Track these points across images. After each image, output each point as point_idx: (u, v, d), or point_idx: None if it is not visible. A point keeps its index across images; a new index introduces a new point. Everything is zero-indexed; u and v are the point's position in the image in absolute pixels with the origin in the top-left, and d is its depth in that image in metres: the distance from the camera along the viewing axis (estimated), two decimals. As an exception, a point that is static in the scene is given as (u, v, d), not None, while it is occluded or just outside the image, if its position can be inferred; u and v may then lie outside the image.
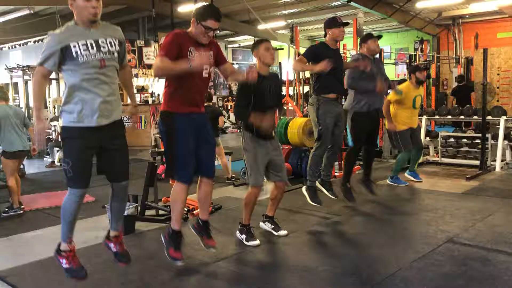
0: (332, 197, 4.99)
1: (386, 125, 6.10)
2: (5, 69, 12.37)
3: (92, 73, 2.81)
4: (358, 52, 5.38)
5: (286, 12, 16.24)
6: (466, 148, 7.71)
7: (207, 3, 3.54)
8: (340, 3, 14.42)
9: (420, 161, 7.59)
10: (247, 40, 20.16)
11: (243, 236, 4.06)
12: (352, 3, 13.18)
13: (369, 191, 5.40)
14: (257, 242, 3.99)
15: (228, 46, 19.25)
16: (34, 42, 12.85)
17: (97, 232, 4.31)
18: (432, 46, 17.93)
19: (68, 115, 2.84)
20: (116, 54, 2.94)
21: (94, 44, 2.81)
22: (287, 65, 11.15)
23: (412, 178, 6.35)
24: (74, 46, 2.75)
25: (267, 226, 4.32)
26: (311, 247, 4.05)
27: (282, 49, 19.49)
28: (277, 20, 16.39)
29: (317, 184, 4.94)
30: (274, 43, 19.52)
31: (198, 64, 3.18)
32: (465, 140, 7.73)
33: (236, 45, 21.11)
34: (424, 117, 7.88)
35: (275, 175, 4.08)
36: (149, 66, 13.71)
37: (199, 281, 3.33)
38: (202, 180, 3.57)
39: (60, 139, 2.98)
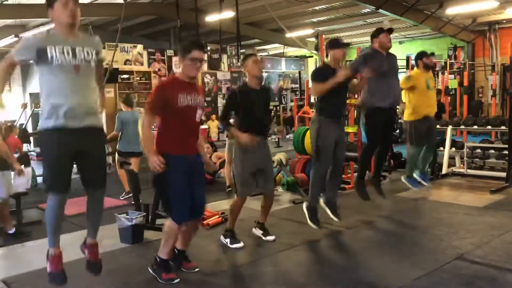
0: (336, 219, 4.71)
1: (404, 117, 5.95)
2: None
3: (66, 78, 2.87)
4: (369, 47, 5.22)
5: (315, 20, 16.19)
6: (493, 160, 7.41)
7: (190, 40, 3.68)
8: (369, 10, 14.23)
9: (444, 172, 7.41)
10: (276, 48, 20.21)
11: (227, 240, 4.21)
12: (381, 11, 13.01)
13: (377, 192, 5.27)
14: (241, 244, 4.16)
15: (259, 55, 19.34)
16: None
17: (106, 241, 4.36)
18: (467, 53, 17.41)
19: (43, 119, 2.92)
20: (92, 63, 2.99)
21: (70, 51, 2.88)
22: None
23: (421, 180, 6.01)
24: (50, 50, 2.83)
25: (257, 232, 4.45)
26: (313, 261, 3.99)
27: (312, 56, 19.40)
28: (307, 28, 16.35)
29: (321, 203, 4.75)
30: (303, 51, 19.50)
31: (153, 163, 3.25)
32: (492, 151, 7.44)
33: (266, 53, 21.19)
34: (450, 127, 7.64)
35: (261, 186, 4.24)
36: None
37: (196, 293, 3.33)
38: (192, 220, 3.54)
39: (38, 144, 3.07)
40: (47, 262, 3.12)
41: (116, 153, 6.98)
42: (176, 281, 3.44)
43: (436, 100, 6.68)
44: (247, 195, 4.23)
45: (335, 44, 4.54)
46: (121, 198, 7.02)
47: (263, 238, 4.38)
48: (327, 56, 4.65)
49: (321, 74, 4.56)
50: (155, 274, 3.51)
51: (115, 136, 6.82)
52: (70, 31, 2.93)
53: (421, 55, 5.98)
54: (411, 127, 5.80)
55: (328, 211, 4.72)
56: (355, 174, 6.99)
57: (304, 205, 4.70)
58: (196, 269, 3.66)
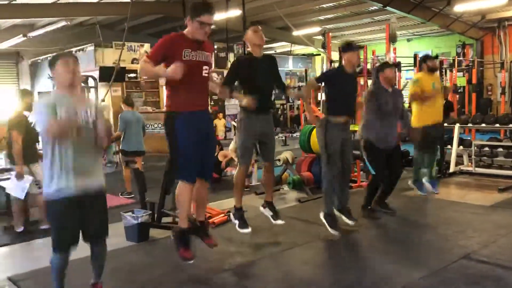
0: (352, 223, 4.61)
1: (412, 122, 5.90)
2: (48, 77, 12.94)
3: (70, 143, 2.83)
4: (374, 84, 5.14)
5: (322, 17, 16.13)
6: (501, 158, 7.34)
7: (200, 2, 3.56)
8: (376, 8, 14.15)
9: (452, 170, 7.34)
10: (283, 46, 20.16)
11: (236, 222, 4.20)
12: (388, 8, 12.92)
13: (385, 211, 5.17)
14: (248, 230, 4.14)
15: (264, 52, 19.30)
16: (76, 51, 13.37)
17: (111, 239, 4.35)
18: (476, 50, 17.25)
19: (48, 186, 2.87)
20: (91, 126, 2.93)
21: (72, 112, 2.85)
22: (322, 70, 11.05)
23: (430, 188, 5.99)
24: (59, 110, 2.80)
25: (266, 212, 4.39)
26: (319, 260, 3.99)
27: (319, 55, 19.33)
28: (314, 26, 16.29)
29: (335, 211, 4.65)
30: (310, 49, 19.44)
31: (171, 72, 3.19)
32: (500, 149, 7.37)
33: (272, 51, 21.14)
34: (457, 125, 7.58)
35: (263, 155, 4.27)
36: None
37: (201, 292, 3.33)
38: (199, 182, 3.60)
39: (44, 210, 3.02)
40: None
41: (120, 153, 7.04)
42: (190, 262, 3.45)
43: (444, 97, 6.64)
44: (248, 164, 4.29)
45: (348, 48, 4.51)
46: (120, 195, 7.07)
47: (272, 220, 4.30)
48: (341, 59, 4.63)
49: (331, 77, 4.58)
50: (175, 244, 3.54)
51: (119, 136, 6.89)
52: (71, 90, 2.92)
53: (425, 59, 5.98)
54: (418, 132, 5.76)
55: (343, 217, 4.60)
56: (361, 172, 6.98)
57: (322, 214, 4.55)
58: (215, 246, 3.67)
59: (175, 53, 3.30)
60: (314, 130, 6.73)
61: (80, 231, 2.98)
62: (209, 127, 3.61)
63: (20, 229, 5.30)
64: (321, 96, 8.66)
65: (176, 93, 3.44)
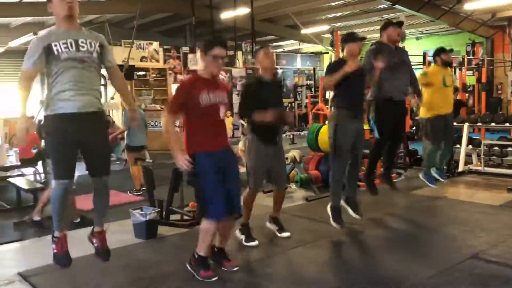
0: (357, 217, 4.62)
1: (420, 113, 5.88)
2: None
3: (72, 69, 2.95)
4: (377, 43, 5.12)
5: (331, 16, 16.11)
6: (511, 157, 7.29)
7: (211, 37, 3.68)
8: (385, 6, 14.09)
9: (461, 169, 7.31)
10: (292, 44, 20.13)
11: (243, 237, 4.20)
12: (397, 6, 12.87)
13: (389, 186, 5.21)
14: (255, 243, 4.14)
15: (273, 51, 19.32)
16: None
17: (120, 236, 4.44)
18: (486, 49, 17.11)
19: (49, 106, 2.99)
20: (95, 54, 3.07)
21: (73, 43, 2.96)
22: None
23: (438, 177, 5.92)
24: (55, 45, 2.91)
25: (272, 226, 4.44)
26: (326, 259, 3.98)
27: (327, 53, 19.29)
28: (323, 24, 16.26)
29: (342, 202, 4.65)
30: (319, 47, 19.41)
31: (180, 162, 3.28)
32: (510, 149, 7.31)
33: (281, 50, 21.13)
34: (466, 124, 7.53)
35: (273, 181, 4.29)
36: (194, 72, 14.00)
37: (208, 290, 3.35)
38: (227, 216, 3.52)
39: (43, 131, 3.13)
40: (52, 243, 3.21)
41: (126, 148, 7.17)
42: (214, 279, 3.42)
43: (453, 99, 6.60)
44: (259, 187, 4.28)
45: (350, 38, 4.48)
46: (128, 193, 7.12)
47: (278, 234, 4.37)
48: (342, 51, 4.60)
49: (334, 67, 4.50)
50: (192, 271, 3.48)
51: (124, 130, 7.05)
52: (69, 24, 2.99)
53: (439, 51, 5.90)
54: (427, 124, 5.74)
55: (349, 210, 4.60)
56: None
57: (328, 206, 4.57)
58: (236, 268, 3.61)
59: (193, 99, 3.33)
60: (322, 128, 6.74)
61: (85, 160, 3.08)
62: (234, 166, 3.58)
63: (37, 218, 5.39)
64: (329, 94, 8.66)
65: (194, 135, 3.42)
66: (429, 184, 5.83)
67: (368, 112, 5.02)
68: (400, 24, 5.07)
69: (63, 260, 3.21)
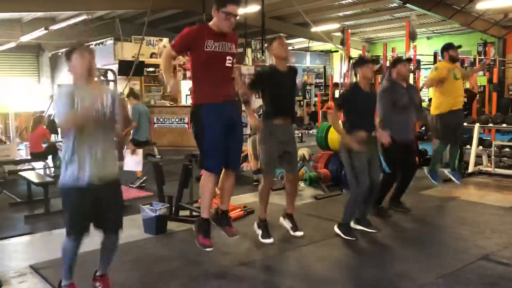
0: (374, 231, 4.48)
1: (431, 110, 5.83)
2: (69, 70, 13.09)
3: (87, 134, 2.87)
4: (388, 80, 5.04)
5: (341, 14, 16.03)
6: (522, 159, 7.23)
7: None
8: (396, 5, 14.00)
9: (471, 170, 7.26)
10: (301, 42, 20.08)
11: (259, 232, 4.21)
12: (408, 5, 12.78)
13: (400, 210, 5.11)
14: (271, 240, 4.14)
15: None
16: (96, 45, 13.51)
17: (130, 231, 4.45)
18: (497, 49, 16.95)
19: (64, 174, 2.92)
20: (108, 115, 2.95)
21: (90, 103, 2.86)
22: (339, 67, 10.99)
23: (453, 178, 5.92)
24: (77, 101, 2.82)
25: (286, 223, 4.42)
26: (335, 257, 3.97)
27: (337, 51, 19.22)
28: (333, 22, 16.20)
29: (353, 224, 4.51)
30: (328, 46, 19.34)
31: (172, 92, 3.34)
32: (521, 150, 7.26)
33: (290, 47, 21.08)
34: (477, 125, 7.48)
35: (286, 166, 4.25)
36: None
37: (219, 285, 3.35)
38: (226, 173, 3.65)
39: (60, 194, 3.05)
40: None
41: (131, 142, 7.23)
42: (208, 249, 3.51)
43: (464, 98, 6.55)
44: (273, 177, 4.27)
45: (362, 62, 4.44)
46: (131, 185, 7.14)
47: (292, 232, 4.34)
48: (355, 76, 4.56)
49: (347, 97, 4.43)
50: (196, 234, 3.61)
51: (135, 126, 7.12)
52: (87, 82, 2.93)
53: (447, 47, 5.87)
54: (437, 121, 5.71)
55: (363, 228, 4.48)
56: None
57: (336, 226, 4.42)
58: (236, 236, 3.68)
59: (197, 44, 3.34)
60: (332, 127, 6.72)
61: (95, 221, 3.01)
62: (236, 117, 3.60)
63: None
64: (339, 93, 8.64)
65: (200, 86, 3.48)
66: (433, 180, 5.82)
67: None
68: (409, 60, 5.04)
69: None
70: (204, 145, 3.47)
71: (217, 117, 3.42)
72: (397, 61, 5.04)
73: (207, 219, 3.61)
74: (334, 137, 6.53)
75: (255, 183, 7.04)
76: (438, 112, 5.68)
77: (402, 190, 5.15)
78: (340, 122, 4.43)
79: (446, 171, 5.99)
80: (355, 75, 4.55)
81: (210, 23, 3.49)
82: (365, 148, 4.26)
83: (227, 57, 3.46)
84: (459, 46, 6.21)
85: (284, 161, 4.22)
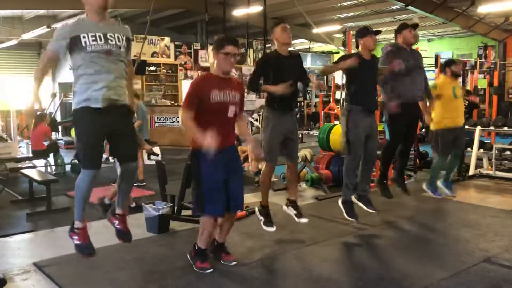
0: (372, 211, 4.70)
1: (430, 126, 5.84)
2: (70, 68, 13.07)
3: (99, 60, 2.97)
4: (392, 44, 5.16)
5: (342, 16, 16.04)
6: (523, 162, 7.25)
7: (224, 35, 3.71)
8: (398, 7, 14.01)
9: (471, 173, 7.27)
10: (302, 43, 20.08)
11: (262, 218, 4.25)
12: (410, 8, 12.79)
13: (402, 190, 5.21)
14: (273, 228, 4.19)
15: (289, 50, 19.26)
16: (97, 43, 13.50)
17: (132, 229, 4.41)
18: (498, 52, 16.98)
19: (77, 98, 3.02)
20: (122, 49, 3.09)
21: (102, 37, 2.98)
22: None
23: (445, 190, 5.91)
24: (84, 37, 2.93)
25: (289, 211, 4.44)
26: (338, 258, 3.99)
27: (338, 53, 19.23)
28: (334, 23, 16.19)
29: (354, 199, 4.72)
30: (329, 47, 19.35)
31: (208, 145, 3.19)
32: (522, 154, 7.28)
33: (291, 48, 21.10)
34: (478, 128, 7.50)
35: (286, 154, 4.29)
36: (204, 69, 14.01)
37: (221, 285, 3.37)
38: (227, 214, 3.59)
39: (72, 122, 3.14)
40: (70, 235, 3.22)
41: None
42: (208, 271, 3.51)
43: (465, 101, 6.57)
44: (275, 162, 4.27)
45: (365, 32, 4.51)
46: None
47: (296, 219, 4.36)
48: (357, 47, 4.61)
49: (344, 57, 4.58)
50: (191, 261, 3.60)
51: (141, 124, 7.10)
52: (101, 15, 3.01)
53: (450, 63, 5.90)
54: (437, 136, 5.72)
55: (362, 205, 4.67)
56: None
57: (340, 201, 4.65)
58: (234, 263, 3.69)
59: (204, 96, 3.38)
60: (334, 128, 6.74)
61: (110, 148, 3.18)
62: (235, 161, 3.63)
63: (108, 202, 5.45)
64: (341, 94, 8.65)
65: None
66: (432, 194, 5.83)
67: (381, 111, 5.03)
68: (415, 26, 5.07)
69: (88, 250, 3.23)
70: (203, 189, 3.43)
71: (216, 161, 3.37)
72: (403, 26, 5.07)
73: (205, 249, 3.61)
74: (336, 138, 6.55)
75: (256, 184, 7.05)
76: (438, 128, 5.68)
77: (403, 164, 5.27)
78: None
79: (439, 182, 5.96)
80: (357, 46, 4.59)
81: (213, 70, 3.56)
82: (364, 119, 4.43)
83: (230, 107, 3.48)
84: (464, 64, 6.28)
85: (285, 148, 4.27)
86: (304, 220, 4.34)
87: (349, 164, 4.53)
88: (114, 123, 3.08)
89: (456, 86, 5.80)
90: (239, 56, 3.57)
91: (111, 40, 3.02)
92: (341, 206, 4.66)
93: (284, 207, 4.49)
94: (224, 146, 3.46)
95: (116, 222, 3.35)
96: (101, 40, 2.97)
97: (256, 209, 4.38)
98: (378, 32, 4.57)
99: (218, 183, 3.42)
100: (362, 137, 4.46)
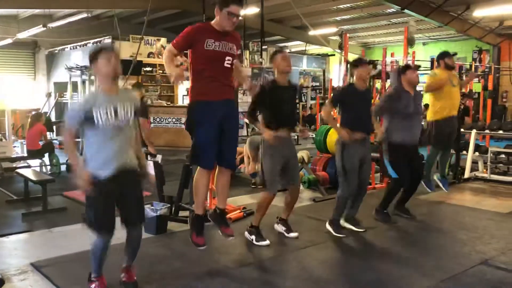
0: (361, 230, 4.63)
1: (427, 117, 5.87)
2: (65, 68, 13.05)
3: (109, 133, 2.94)
4: (395, 88, 5.07)
5: (338, 18, 16.10)
6: (518, 165, 7.30)
7: None
8: (394, 11, 14.11)
9: (466, 176, 7.31)
10: (298, 45, 20.14)
11: (253, 237, 4.22)
12: (406, 11, 12.87)
13: (406, 216, 5.15)
14: (266, 242, 4.16)
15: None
16: (93, 43, 13.46)
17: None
18: (492, 56, 17.11)
19: (89, 166, 2.96)
20: (131, 122, 3.05)
21: (113, 111, 2.94)
22: (337, 71, 10.99)
23: (440, 185, 5.95)
24: (96, 113, 2.89)
25: (280, 228, 4.48)
26: (336, 260, 4.01)
27: (334, 55, 19.28)
28: (330, 26, 16.26)
29: (342, 222, 4.66)
30: (325, 49, 19.41)
31: (175, 78, 3.24)
32: (517, 157, 7.33)
33: (287, 50, 21.11)
34: (474, 131, 7.54)
35: (289, 178, 4.28)
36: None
37: (220, 286, 3.36)
38: (220, 170, 3.66)
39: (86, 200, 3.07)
40: (89, 284, 3.19)
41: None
42: (201, 248, 3.53)
43: (461, 105, 6.61)
44: (276, 192, 4.24)
45: (359, 62, 4.54)
46: None
47: (286, 234, 4.41)
48: (352, 76, 4.65)
49: (342, 95, 4.60)
50: (190, 229, 3.64)
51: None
52: (112, 84, 2.99)
53: (443, 55, 5.91)
54: (433, 127, 5.75)
55: (351, 227, 4.63)
56: (376, 174, 6.97)
57: (327, 223, 4.59)
58: (231, 238, 3.67)
59: (198, 42, 3.37)
60: (331, 130, 6.76)
61: (120, 213, 3.09)
62: (231, 115, 3.61)
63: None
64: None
65: (197, 83, 3.51)
66: (427, 188, 5.84)
67: (380, 148, 5.01)
68: (418, 67, 5.06)
69: None
70: (196, 141, 3.48)
71: (211, 114, 3.42)
72: (406, 68, 5.02)
73: (201, 216, 3.61)
74: (332, 140, 6.56)
75: (252, 186, 7.06)
76: (434, 119, 5.72)
77: (408, 196, 5.17)
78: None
79: (435, 177, 6.02)
80: (352, 76, 4.62)
81: (213, 22, 3.51)
82: (359, 148, 4.41)
83: (226, 57, 3.47)
84: (455, 54, 6.27)
85: (286, 174, 4.26)
86: (294, 235, 4.37)
87: (344, 194, 4.51)
88: (123, 188, 3.02)
89: (452, 76, 5.83)
90: (240, 17, 3.51)
91: (121, 116, 2.97)
92: (329, 227, 4.56)
93: (275, 226, 4.54)
94: (221, 97, 3.46)
95: (122, 274, 3.29)
96: (111, 116, 2.93)
97: (246, 232, 4.31)
98: (372, 63, 4.61)
99: (210, 136, 3.43)
100: (357, 166, 4.45)
